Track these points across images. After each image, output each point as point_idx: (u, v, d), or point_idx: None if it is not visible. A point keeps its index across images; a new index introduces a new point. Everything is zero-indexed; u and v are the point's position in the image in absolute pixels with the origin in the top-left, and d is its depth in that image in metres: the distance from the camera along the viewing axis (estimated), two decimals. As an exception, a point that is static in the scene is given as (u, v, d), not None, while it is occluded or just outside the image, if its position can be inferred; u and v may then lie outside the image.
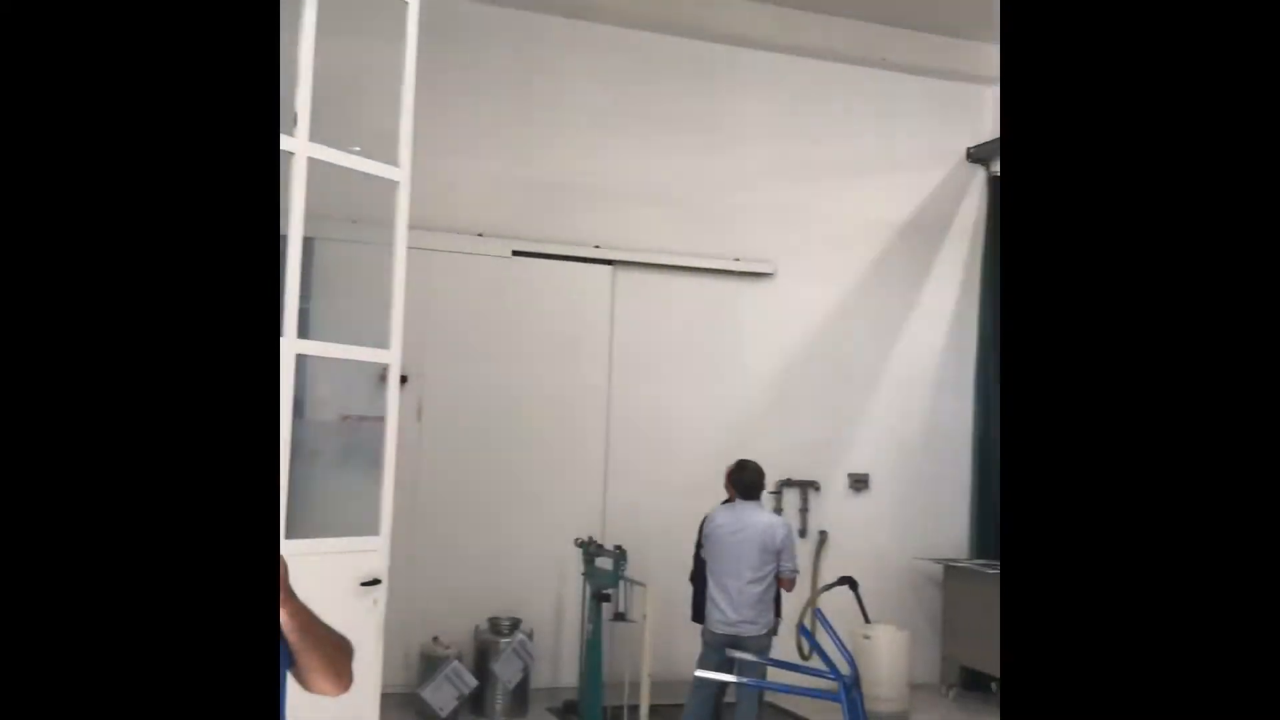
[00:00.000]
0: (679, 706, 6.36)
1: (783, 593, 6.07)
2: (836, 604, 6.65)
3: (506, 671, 7.04)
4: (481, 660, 7.10)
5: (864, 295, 8.74)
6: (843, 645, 5.57)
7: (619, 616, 6.68)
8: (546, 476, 7.78)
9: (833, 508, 8.53)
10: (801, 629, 7.58)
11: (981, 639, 7.84)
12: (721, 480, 6.25)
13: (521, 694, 7.13)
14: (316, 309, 5.94)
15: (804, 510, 8.44)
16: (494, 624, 7.24)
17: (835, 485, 8.57)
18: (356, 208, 5.38)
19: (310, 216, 4.36)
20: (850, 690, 4.92)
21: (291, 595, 2.09)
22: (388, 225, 4.78)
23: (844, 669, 5.18)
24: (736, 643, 5.76)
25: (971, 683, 8.18)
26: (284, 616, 2.05)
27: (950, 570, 8.37)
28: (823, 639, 5.67)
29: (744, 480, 6.07)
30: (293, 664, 2.12)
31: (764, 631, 5.88)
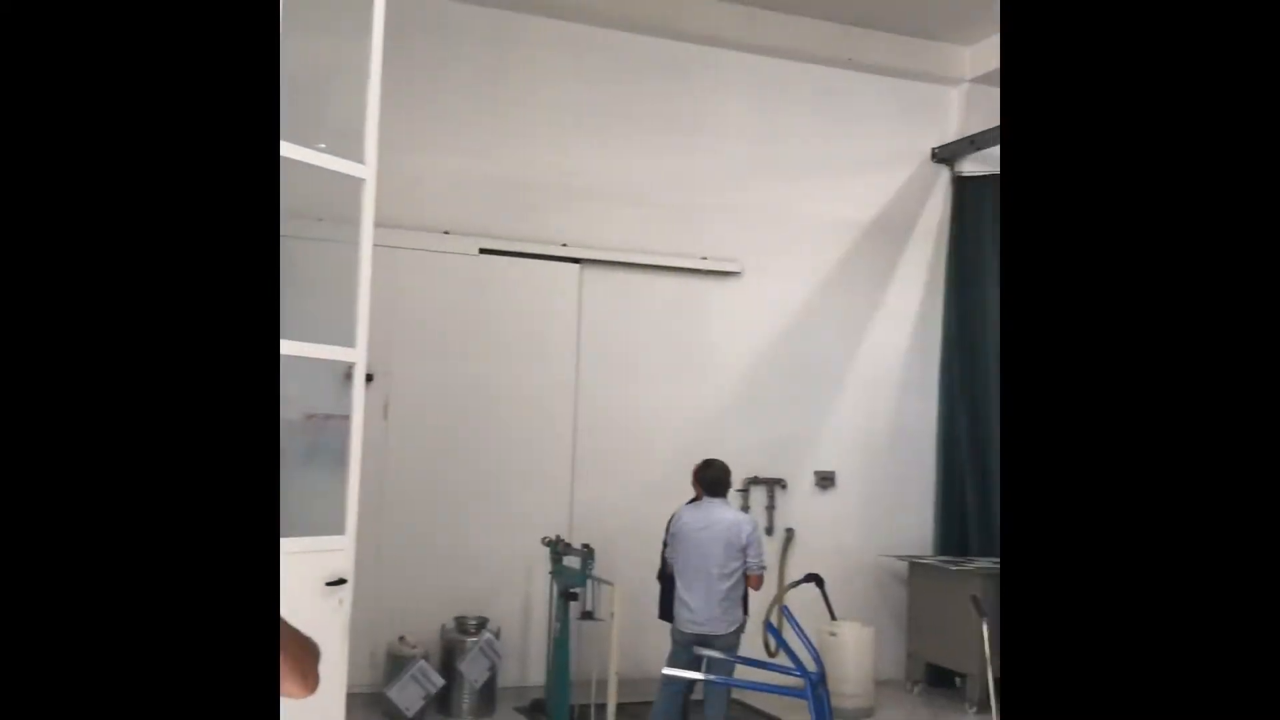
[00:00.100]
0: (647, 704, 6.37)
1: (750, 591, 6.09)
2: (803, 601, 6.69)
3: (473, 671, 7.02)
4: (448, 659, 7.08)
5: (830, 295, 8.79)
6: (809, 642, 5.60)
7: (586, 615, 6.68)
8: (514, 475, 7.77)
9: (799, 505, 8.57)
10: (768, 626, 7.61)
11: (946, 635, 7.91)
12: (689, 478, 6.26)
13: (489, 693, 7.11)
14: (281, 307, 5.88)
15: (770, 508, 8.47)
16: (461, 623, 7.22)
17: (802, 483, 8.61)
18: (322, 205, 5.34)
19: (275, 213, 4.32)
20: (816, 687, 4.95)
21: None
22: (353, 223, 4.75)
23: (810, 666, 5.22)
24: (705, 641, 5.78)
25: (936, 679, 8.25)
26: None
27: (915, 567, 8.43)
28: (789, 636, 5.70)
29: (709, 477, 6.09)
30: None
31: (732, 629, 5.89)
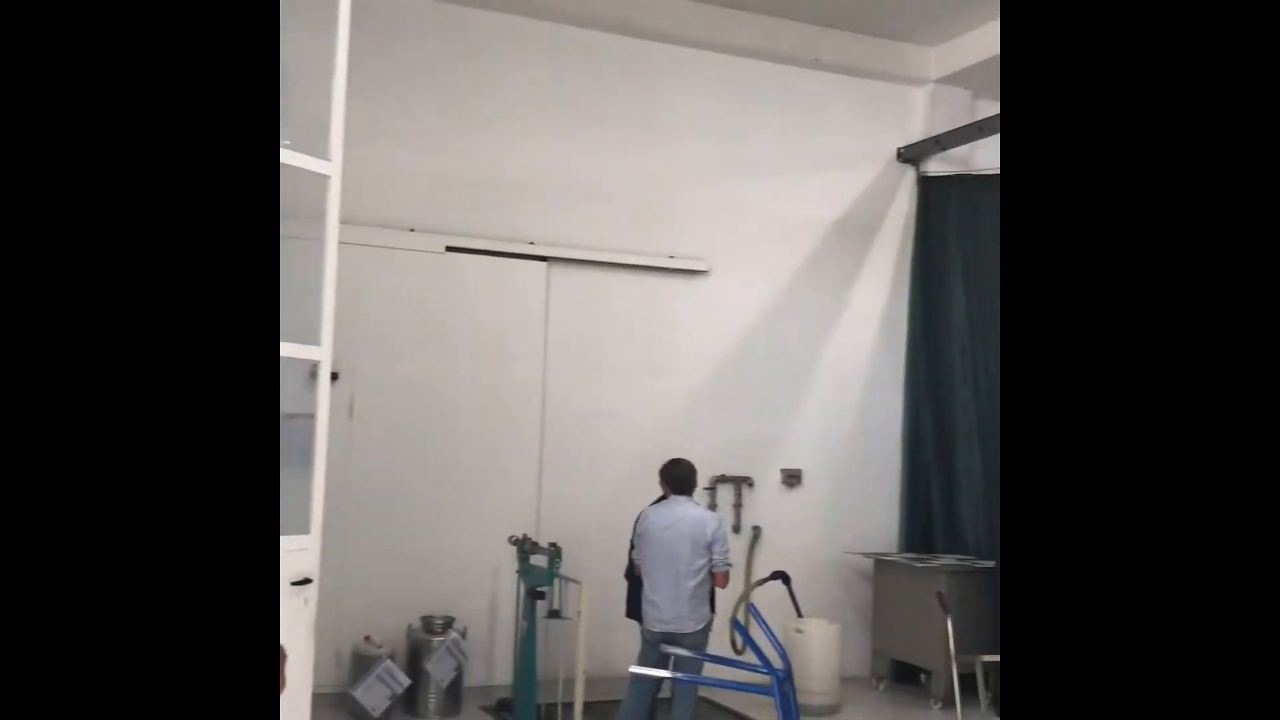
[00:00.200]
0: (615, 703, 6.37)
1: (716, 588, 6.10)
2: (769, 598, 6.71)
3: (440, 670, 6.98)
4: (414, 659, 7.04)
5: (797, 294, 8.83)
6: (776, 639, 5.62)
7: (554, 614, 6.67)
8: (481, 474, 7.74)
9: (766, 503, 8.60)
10: (735, 623, 7.64)
11: (911, 632, 7.97)
12: (656, 477, 6.26)
13: (455, 693, 7.09)
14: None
15: (738, 506, 8.50)
16: (427, 622, 7.18)
17: (769, 481, 8.64)
18: (286, 202, 5.29)
19: (239, 210, 4.27)
20: (783, 684, 4.97)
21: None
22: (318, 220, 4.71)
23: (777, 663, 5.23)
24: (672, 639, 5.79)
25: (901, 675, 8.31)
26: None
27: (880, 564, 8.48)
28: (756, 633, 5.71)
29: (675, 476, 6.11)
30: None
31: (700, 627, 5.91)
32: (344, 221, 4.82)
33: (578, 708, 6.21)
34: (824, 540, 8.65)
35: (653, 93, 8.46)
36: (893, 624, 8.26)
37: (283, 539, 4.52)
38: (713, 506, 8.13)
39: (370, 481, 7.35)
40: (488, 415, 7.81)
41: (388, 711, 6.76)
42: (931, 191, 9.11)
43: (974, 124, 8.75)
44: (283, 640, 2.18)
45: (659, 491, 6.23)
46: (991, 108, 8.79)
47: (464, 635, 7.15)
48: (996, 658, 6.71)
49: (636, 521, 6.19)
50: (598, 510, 7.67)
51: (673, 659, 5.68)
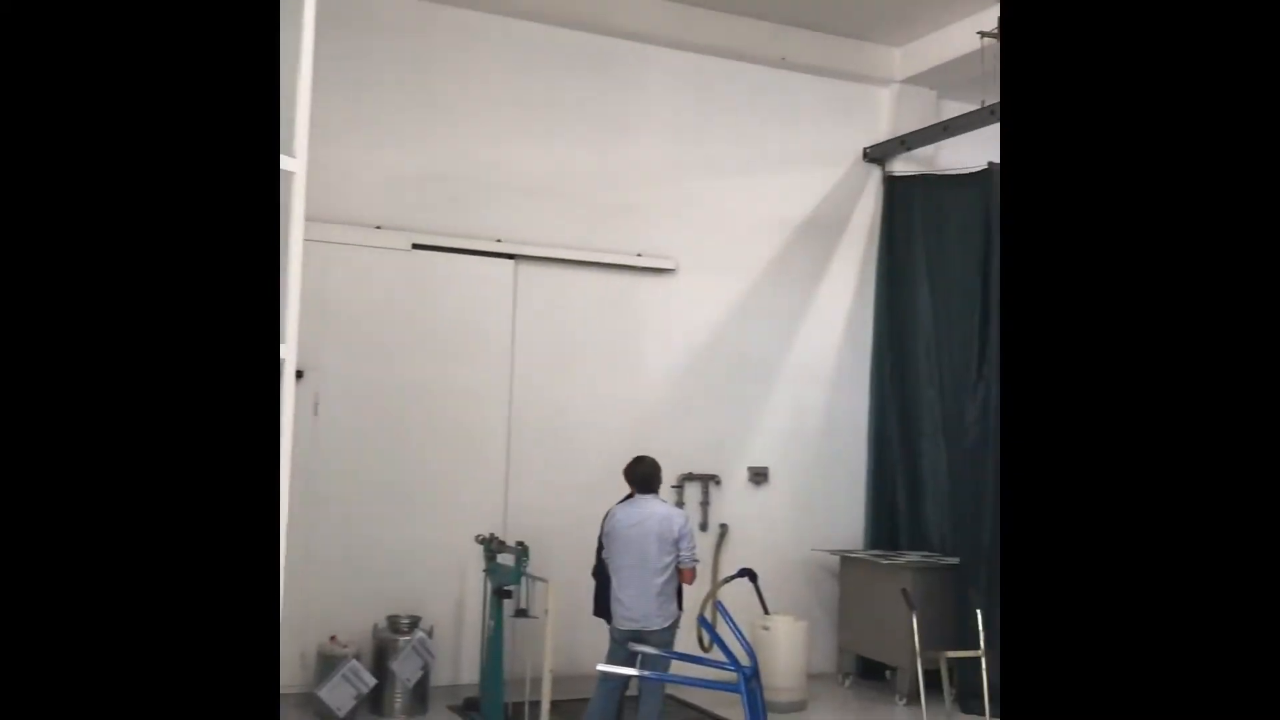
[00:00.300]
0: (582, 701, 6.36)
1: (684, 585, 6.11)
2: (737, 596, 6.73)
3: (406, 670, 6.95)
4: (380, 659, 7.00)
5: (763, 292, 8.86)
6: (742, 637, 5.63)
7: (521, 613, 6.66)
8: (447, 472, 7.71)
9: (733, 501, 8.63)
10: (702, 621, 7.64)
11: (876, 628, 8.02)
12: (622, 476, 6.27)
13: (421, 692, 7.06)
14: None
15: (705, 504, 8.51)
16: (393, 622, 7.15)
17: (735, 479, 8.67)
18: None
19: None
20: (749, 681, 4.98)
21: None
22: (283, 216, 4.67)
23: (744, 660, 5.25)
24: (640, 637, 5.79)
25: (866, 671, 8.36)
26: None
27: (846, 561, 8.53)
28: (723, 631, 5.73)
29: (640, 474, 6.13)
30: None
31: (667, 624, 5.92)
32: (309, 219, 4.74)
33: (545, 706, 6.20)
34: (791, 538, 8.69)
35: (620, 91, 8.46)
36: (859, 621, 8.31)
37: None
38: (680, 504, 8.14)
39: (335, 480, 7.30)
40: (454, 414, 7.78)
41: (353, 711, 6.72)
42: (897, 191, 9.17)
43: (939, 124, 8.81)
44: None
45: (626, 490, 6.24)
46: (957, 108, 8.86)
47: (430, 634, 7.12)
48: (960, 653, 6.78)
49: (604, 520, 6.19)
50: (565, 509, 7.66)
51: (640, 657, 5.68)
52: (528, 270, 8.09)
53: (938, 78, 9.03)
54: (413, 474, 7.60)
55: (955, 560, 7.94)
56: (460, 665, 7.64)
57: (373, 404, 7.54)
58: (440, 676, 7.39)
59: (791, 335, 8.95)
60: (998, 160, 7.98)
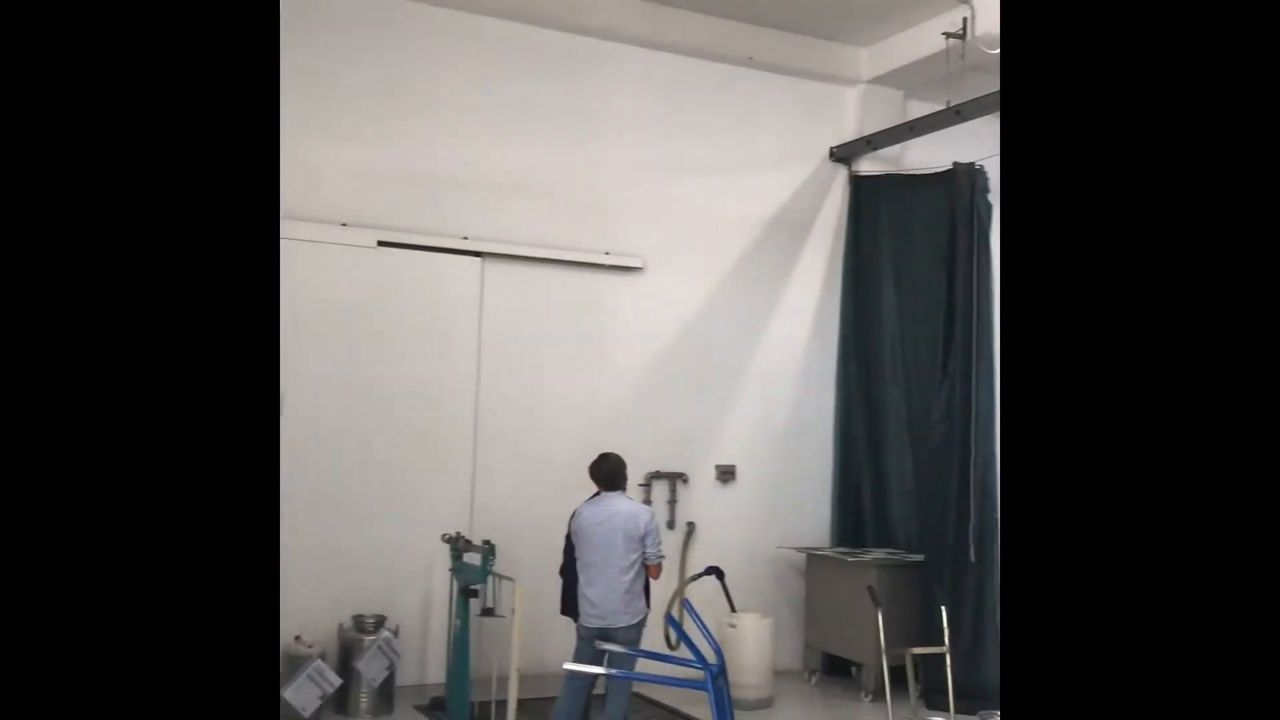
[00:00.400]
0: (549, 700, 6.36)
1: (651, 582, 6.13)
2: (704, 594, 6.75)
3: (371, 669, 6.91)
4: (345, 659, 6.96)
5: (731, 290, 8.88)
6: (710, 635, 5.65)
7: (487, 612, 6.64)
8: (413, 471, 7.67)
9: (700, 499, 8.64)
10: (669, 619, 7.66)
11: (842, 625, 8.07)
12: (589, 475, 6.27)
13: (387, 692, 7.02)
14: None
15: (672, 502, 8.53)
16: (358, 621, 7.10)
17: (703, 477, 8.69)
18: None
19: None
20: (716, 679, 4.99)
21: None
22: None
23: (711, 658, 5.26)
24: (607, 635, 5.80)
25: (832, 668, 8.41)
26: None
27: (812, 559, 8.57)
28: (690, 629, 5.74)
29: (604, 472, 6.14)
30: None
31: (634, 622, 5.92)
32: (274, 215, 4.74)
33: (511, 705, 6.19)
34: (758, 535, 8.72)
35: (588, 88, 8.44)
36: (824, 617, 8.36)
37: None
38: (647, 502, 8.15)
39: (300, 479, 7.23)
40: (421, 412, 7.74)
41: (318, 711, 6.67)
42: (863, 191, 9.22)
43: (905, 124, 8.87)
44: None
45: (594, 488, 6.24)
46: (922, 108, 8.92)
47: (396, 634, 7.09)
48: (925, 650, 6.83)
49: (571, 519, 6.19)
50: (532, 507, 7.65)
51: (607, 656, 5.68)
52: (495, 268, 8.06)
53: (904, 78, 9.09)
54: (378, 472, 7.55)
55: (920, 557, 8.00)
56: (426, 665, 7.60)
57: (338, 401, 7.48)
58: (406, 676, 7.35)
59: (759, 334, 8.98)
60: (963, 160, 8.07)
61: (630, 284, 8.51)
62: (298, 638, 6.87)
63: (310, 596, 7.12)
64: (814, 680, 8.39)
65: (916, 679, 6.65)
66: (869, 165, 9.27)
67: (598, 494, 6.17)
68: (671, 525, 8.42)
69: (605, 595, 5.90)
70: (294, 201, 6.96)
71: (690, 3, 8.51)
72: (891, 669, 6.69)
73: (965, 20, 8.14)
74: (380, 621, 7.10)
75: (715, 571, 6.23)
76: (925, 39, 8.53)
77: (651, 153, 8.64)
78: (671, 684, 5.65)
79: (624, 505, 6.06)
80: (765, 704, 7.67)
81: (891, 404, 8.66)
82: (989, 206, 8.02)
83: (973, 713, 6.35)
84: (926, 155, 8.77)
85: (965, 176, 8.03)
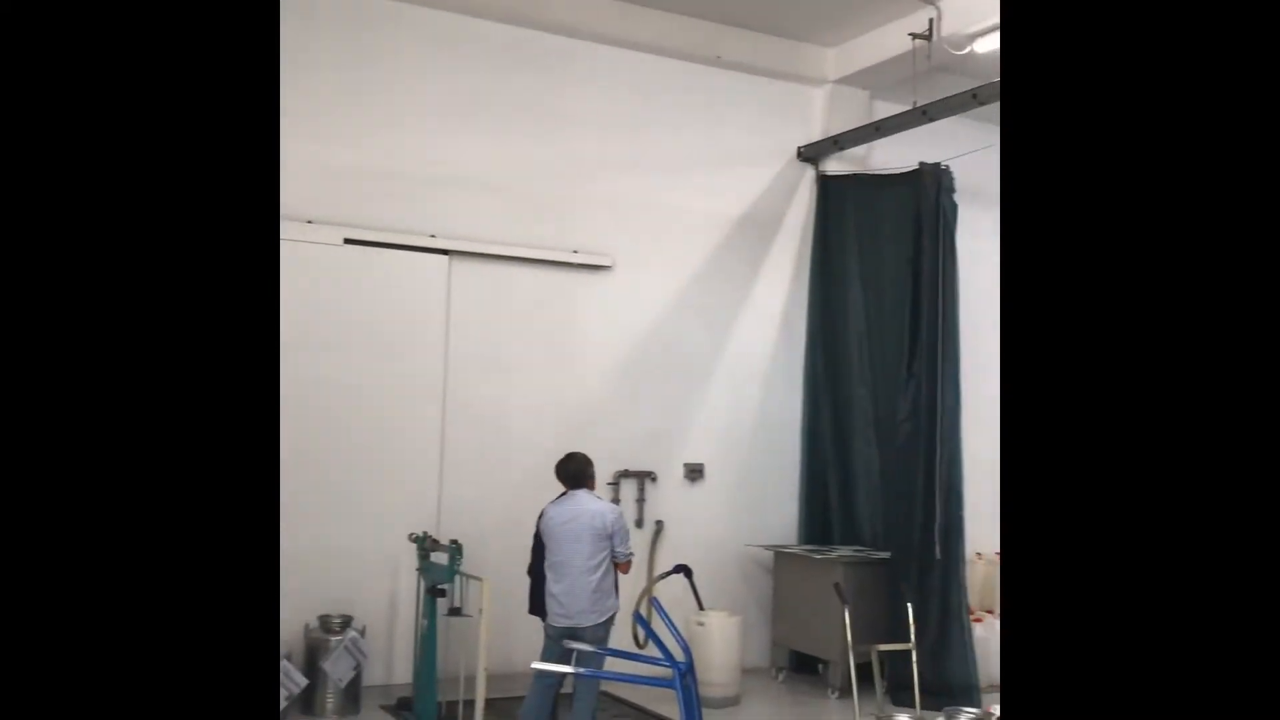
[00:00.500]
0: (516, 699, 6.34)
1: (621, 579, 6.13)
2: (672, 592, 6.76)
3: (338, 669, 6.87)
4: (312, 659, 6.91)
5: (699, 289, 8.90)
6: (678, 633, 5.65)
7: (455, 611, 6.61)
8: (380, 470, 7.62)
9: (669, 497, 8.65)
10: (637, 617, 7.66)
11: (809, 623, 8.11)
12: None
13: (354, 692, 6.97)
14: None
15: (640, 501, 8.53)
16: (325, 622, 7.05)
17: (671, 475, 8.70)
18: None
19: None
20: (684, 677, 5.00)
21: None
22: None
23: (679, 656, 5.27)
24: (574, 634, 5.79)
25: (799, 665, 8.44)
26: None
27: (780, 556, 8.61)
28: (658, 627, 5.75)
29: (569, 471, 6.14)
30: None
31: (602, 620, 5.92)
32: (239, 212, 4.70)
33: (479, 705, 6.17)
34: (726, 533, 8.75)
35: (557, 86, 8.43)
36: (792, 615, 8.39)
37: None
38: (616, 501, 8.15)
39: (265, 479, 7.18)
40: (387, 410, 7.70)
41: (284, 712, 6.62)
42: (830, 190, 9.26)
43: (871, 124, 8.92)
44: None
45: (561, 487, 6.23)
46: (888, 109, 8.98)
47: (363, 634, 7.05)
48: (892, 646, 6.88)
49: (538, 520, 6.18)
50: (499, 507, 7.63)
51: (576, 654, 5.68)
52: (462, 266, 8.03)
53: (870, 78, 9.14)
54: (344, 471, 7.51)
55: (886, 555, 8.05)
56: (393, 665, 7.56)
57: (304, 400, 7.41)
58: (373, 676, 7.31)
59: (727, 333, 9.01)
60: (929, 160, 8.13)
61: (598, 282, 8.50)
62: (263, 638, 6.80)
63: (275, 597, 7.06)
64: (781, 678, 8.43)
65: (883, 676, 6.68)
66: (836, 165, 9.32)
67: (565, 493, 6.16)
68: (640, 524, 8.42)
69: (572, 594, 5.89)
70: (259, 199, 6.90)
71: (659, 2, 8.51)
72: (858, 666, 6.72)
73: (931, 21, 8.20)
74: (347, 621, 7.05)
75: (683, 570, 6.23)
76: (891, 40, 8.58)
77: (620, 151, 8.64)
78: (639, 682, 5.64)
79: (591, 504, 6.05)
80: (733, 702, 7.69)
81: (858, 403, 8.71)
82: (954, 206, 8.08)
83: (938, 709, 6.40)
84: (892, 155, 8.83)
85: (931, 176, 8.08)
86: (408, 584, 7.35)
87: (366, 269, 7.70)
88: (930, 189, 8.06)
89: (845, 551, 8.23)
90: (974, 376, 8.26)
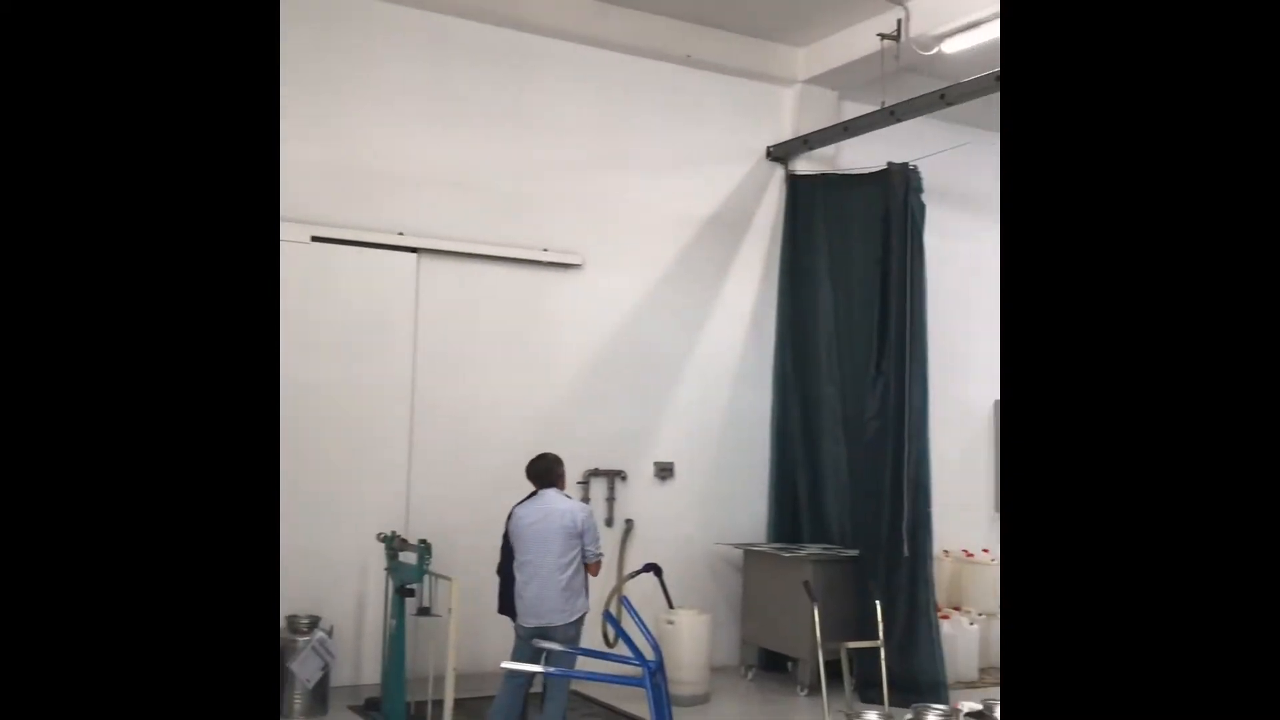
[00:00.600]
0: (486, 699, 6.33)
1: (590, 579, 6.12)
2: (642, 590, 6.76)
3: (305, 670, 6.82)
4: (279, 659, 6.85)
5: (669, 288, 8.90)
6: (647, 631, 5.66)
7: (423, 611, 6.58)
8: (347, 470, 7.57)
9: (639, 496, 8.66)
10: (607, 616, 7.67)
11: (778, 621, 8.13)
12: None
13: (321, 693, 6.93)
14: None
15: (610, 500, 8.53)
16: (292, 622, 7.00)
17: (641, 474, 8.70)
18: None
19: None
20: (654, 675, 5.00)
21: None
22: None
23: (649, 655, 5.27)
24: (545, 633, 5.78)
25: (768, 663, 8.47)
26: None
27: (749, 555, 8.63)
28: (629, 626, 5.75)
29: (538, 470, 6.14)
30: None
31: (572, 619, 5.92)
32: (204, 209, 4.65)
33: (448, 705, 6.14)
34: (695, 532, 8.76)
35: (526, 84, 8.41)
36: (761, 613, 8.42)
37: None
38: (586, 500, 8.14)
39: (232, 478, 7.12)
40: (355, 410, 7.65)
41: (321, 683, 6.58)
42: (799, 190, 9.30)
43: (840, 124, 8.97)
44: None
45: (531, 486, 6.22)
46: (856, 109, 9.02)
47: (330, 634, 7.00)
48: (860, 644, 6.91)
49: (507, 520, 6.16)
50: (469, 506, 7.60)
51: (546, 654, 5.67)
52: (430, 264, 8.00)
53: (839, 79, 9.18)
54: (312, 471, 7.45)
55: (855, 552, 8.09)
56: (361, 665, 7.52)
57: (271, 400, 7.37)
58: (341, 676, 7.27)
59: (697, 331, 9.02)
60: (897, 160, 8.18)
61: (569, 281, 8.49)
62: (229, 640, 6.75)
63: (242, 597, 7.00)
64: (750, 675, 8.45)
65: (851, 673, 6.71)
66: (805, 165, 9.35)
67: (534, 493, 6.15)
68: (610, 523, 8.42)
69: (542, 593, 5.88)
70: (225, 196, 6.84)
71: (630, 0, 8.51)
72: (827, 663, 6.75)
73: (899, 22, 8.24)
74: (314, 622, 7.00)
75: (653, 568, 6.24)
76: (860, 40, 8.62)
77: (590, 149, 8.63)
78: (610, 681, 5.64)
79: (561, 504, 6.05)
80: (702, 700, 7.70)
81: (827, 401, 8.75)
82: (922, 206, 8.13)
83: (906, 705, 6.44)
84: (861, 155, 8.88)
85: (899, 176, 8.13)
86: (376, 584, 7.30)
87: (334, 267, 7.65)
88: (898, 189, 8.11)
89: (814, 549, 8.26)
90: (941, 375, 8.33)
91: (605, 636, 7.76)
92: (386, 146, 7.89)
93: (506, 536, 6.16)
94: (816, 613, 6.63)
